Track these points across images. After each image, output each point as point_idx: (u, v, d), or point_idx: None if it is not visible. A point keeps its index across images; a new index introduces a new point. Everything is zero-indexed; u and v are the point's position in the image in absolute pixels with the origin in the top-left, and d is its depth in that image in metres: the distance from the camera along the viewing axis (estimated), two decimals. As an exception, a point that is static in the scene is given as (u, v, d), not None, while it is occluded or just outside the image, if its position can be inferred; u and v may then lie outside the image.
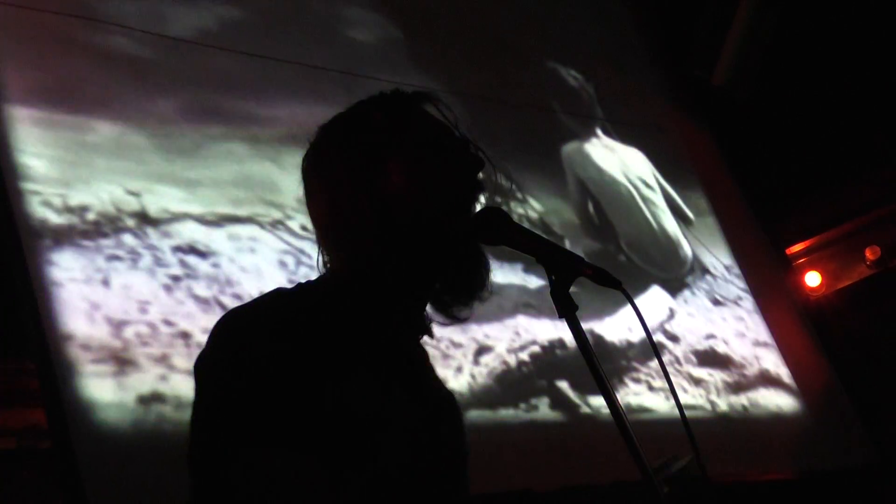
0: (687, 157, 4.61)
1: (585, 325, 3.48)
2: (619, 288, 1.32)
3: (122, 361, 2.47)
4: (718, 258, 4.32)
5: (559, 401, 3.26)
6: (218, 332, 1.37)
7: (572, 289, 1.34)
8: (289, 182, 3.01)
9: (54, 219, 2.59)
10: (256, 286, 2.80)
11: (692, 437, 1.33)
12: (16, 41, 2.79)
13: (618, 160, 4.25)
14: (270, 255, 2.92)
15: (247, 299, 2.70)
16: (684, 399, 3.59)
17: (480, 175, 1.46)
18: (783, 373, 4.09)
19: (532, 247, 1.37)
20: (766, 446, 3.80)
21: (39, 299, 2.44)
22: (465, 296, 1.44)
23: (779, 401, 4.01)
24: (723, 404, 3.76)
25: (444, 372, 2.99)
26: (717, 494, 1.46)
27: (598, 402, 3.22)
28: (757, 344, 4.11)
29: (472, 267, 1.43)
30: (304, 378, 1.27)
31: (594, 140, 4.24)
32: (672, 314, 3.91)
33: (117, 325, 2.52)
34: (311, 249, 1.57)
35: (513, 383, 3.18)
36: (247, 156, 3.07)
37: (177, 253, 2.74)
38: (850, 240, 4.90)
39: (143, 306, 2.59)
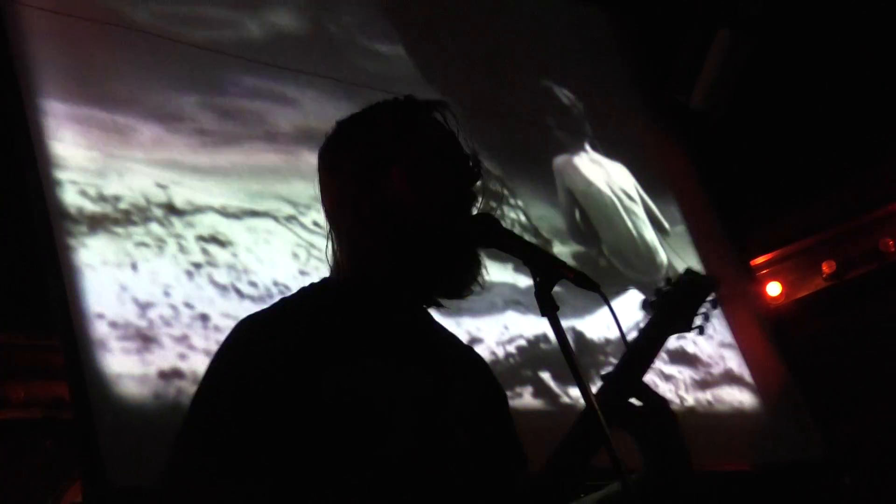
0: (665, 172, 4.61)
1: (568, 323, 3.50)
2: (597, 290, 1.31)
3: (146, 339, 2.48)
4: (690, 266, 4.33)
5: (542, 390, 3.27)
6: (228, 337, 1.35)
7: (558, 289, 1.34)
8: (302, 181, 3.03)
9: (89, 207, 2.60)
10: (270, 275, 2.81)
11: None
12: (56, 45, 2.80)
13: (603, 173, 4.26)
14: (284, 247, 2.93)
15: (261, 287, 2.75)
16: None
17: (477, 186, 1.45)
18: (745, 373, 4.10)
19: (519, 250, 1.37)
20: (728, 439, 3.80)
21: (74, 280, 2.44)
22: (458, 290, 1.42)
23: (740, 398, 4.01)
24: (690, 399, 3.76)
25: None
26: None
27: (576, 392, 3.22)
28: (722, 345, 4.12)
29: (465, 265, 1.41)
30: (295, 387, 1.24)
31: (583, 154, 4.25)
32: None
33: (143, 306, 2.53)
34: (321, 243, 1.57)
35: (500, 373, 3.16)
36: (265, 155, 3.08)
37: (199, 242, 2.75)
38: (809, 254, 4.91)
39: (167, 290, 2.60)
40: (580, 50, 4.60)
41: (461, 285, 1.41)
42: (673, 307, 1.58)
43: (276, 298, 1.47)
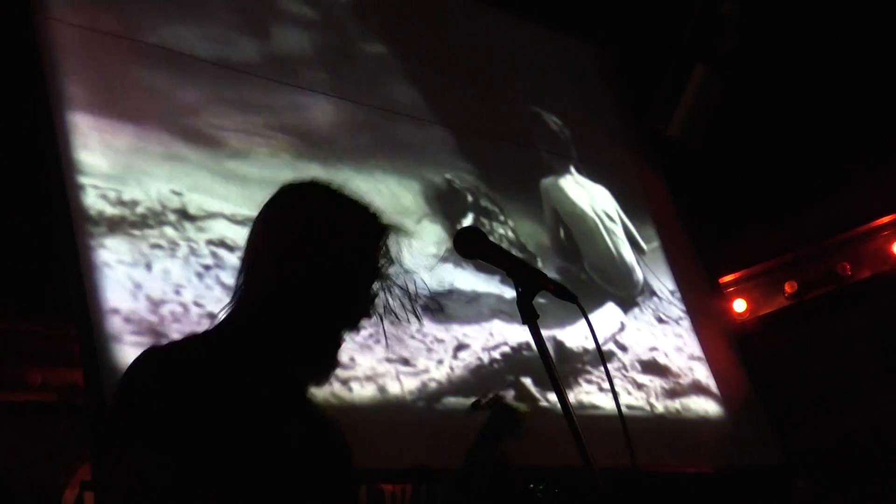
0: (643, 196, 4.62)
1: (549, 332, 3.49)
2: (575, 302, 1.31)
3: (157, 334, 2.47)
4: (664, 283, 4.33)
5: (523, 394, 3.26)
6: (130, 368, 1.34)
7: (541, 300, 1.33)
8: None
9: (109, 210, 2.59)
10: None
11: (626, 430, 1.34)
12: (81, 59, 2.79)
13: (587, 195, 4.27)
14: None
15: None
16: (628, 400, 3.60)
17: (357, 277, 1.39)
18: (711, 383, 4.10)
19: (502, 262, 1.37)
20: (693, 444, 3.80)
21: (92, 277, 2.43)
22: (318, 379, 1.40)
23: (706, 407, 4.01)
24: (660, 407, 3.76)
25: (426, 363, 3.00)
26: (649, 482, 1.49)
27: (555, 397, 3.21)
28: (691, 358, 4.12)
29: (327, 355, 1.38)
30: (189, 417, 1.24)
31: (568, 177, 4.26)
32: (623, 327, 3.91)
33: (156, 304, 2.52)
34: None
35: (485, 376, 3.18)
36: (271, 167, 3.07)
37: (209, 246, 2.74)
38: (773, 275, 4.94)
39: (178, 289, 2.59)
40: (568, 80, 4.63)
41: (321, 376, 1.39)
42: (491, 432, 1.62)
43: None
